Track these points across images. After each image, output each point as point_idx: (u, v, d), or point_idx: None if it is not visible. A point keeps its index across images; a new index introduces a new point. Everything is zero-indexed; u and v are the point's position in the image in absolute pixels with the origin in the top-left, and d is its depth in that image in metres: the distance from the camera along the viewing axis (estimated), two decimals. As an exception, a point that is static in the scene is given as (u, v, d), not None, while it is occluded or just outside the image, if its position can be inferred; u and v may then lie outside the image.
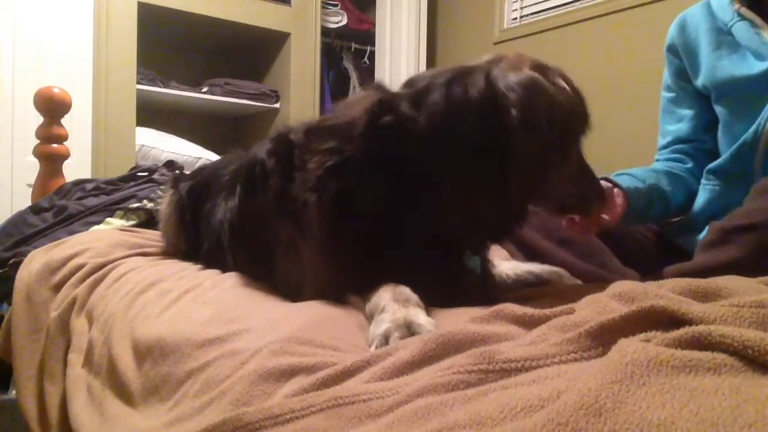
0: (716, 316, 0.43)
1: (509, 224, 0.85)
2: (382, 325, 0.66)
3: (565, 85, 0.82)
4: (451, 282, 0.83)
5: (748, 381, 0.37)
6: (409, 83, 0.85)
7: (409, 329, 0.64)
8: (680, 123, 1.28)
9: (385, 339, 0.63)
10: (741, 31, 1.12)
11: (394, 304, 0.69)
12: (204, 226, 1.16)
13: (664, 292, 0.51)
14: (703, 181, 1.21)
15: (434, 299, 0.75)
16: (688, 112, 1.26)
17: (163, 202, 1.37)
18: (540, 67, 0.82)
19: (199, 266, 1.14)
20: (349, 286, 0.79)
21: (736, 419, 0.33)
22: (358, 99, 0.90)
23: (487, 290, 0.88)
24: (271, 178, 0.89)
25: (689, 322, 0.43)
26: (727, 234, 0.89)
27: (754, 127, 1.09)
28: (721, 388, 0.35)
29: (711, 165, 1.18)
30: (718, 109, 1.19)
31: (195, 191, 1.26)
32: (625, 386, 0.36)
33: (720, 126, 1.20)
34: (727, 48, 1.14)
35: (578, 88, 0.86)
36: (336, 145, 0.81)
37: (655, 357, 0.38)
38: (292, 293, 0.86)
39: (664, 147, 1.32)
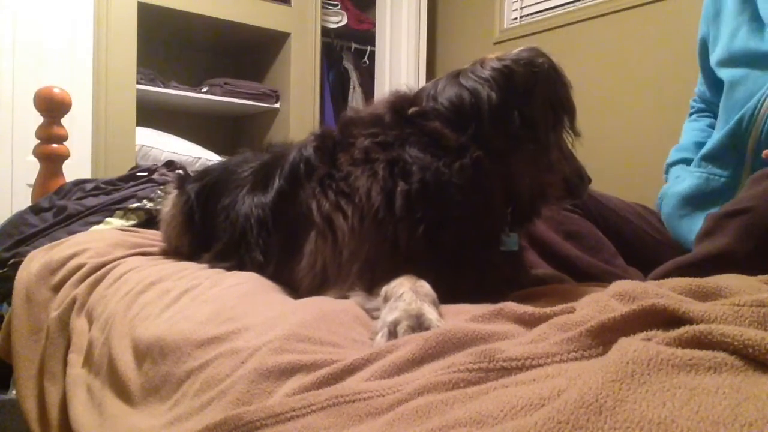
0: (717, 315, 0.43)
1: (543, 185, 0.89)
2: (394, 312, 0.67)
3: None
4: (485, 272, 0.85)
5: (749, 380, 0.37)
6: (419, 91, 0.92)
7: (419, 321, 0.64)
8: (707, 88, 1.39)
9: (394, 326, 0.64)
10: (763, 2, 1.12)
11: (412, 294, 0.70)
12: (221, 221, 1.15)
13: (665, 291, 0.51)
14: (692, 167, 1.21)
15: (463, 288, 0.78)
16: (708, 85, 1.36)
17: (166, 202, 1.35)
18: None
19: (202, 265, 1.13)
20: (381, 265, 0.81)
21: (736, 418, 0.33)
22: (378, 101, 0.97)
23: (517, 283, 0.90)
24: (316, 170, 0.93)
25: (690, 321, 0.43)
26: (719, 221, 0.90)
27: (753, 102, 1.09)
28: (722, 387, 0.35)
29: (704, 150, 1.19)
30: (724, 74, 1.20)
31: (204, 191, 1.25)
32: (626, 385, 0.36)
33: (724, 93, 1.21)
34: (748, 15, 1.15)
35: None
36: (377, 130, 0.88)
37: (656, 356, 0.38)
38: (313, 281, 0.87)
39: (698, 101, 1.44)
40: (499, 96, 0.83)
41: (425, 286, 0.73)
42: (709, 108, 1.42)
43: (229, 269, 1.06)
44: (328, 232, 0.87)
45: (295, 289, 0.92)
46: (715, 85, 1.33)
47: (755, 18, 1.13)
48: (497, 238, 0.87)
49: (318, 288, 0.87)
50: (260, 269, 1.01)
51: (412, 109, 0.87)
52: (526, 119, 0.83)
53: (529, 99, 0.83)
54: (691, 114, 1.48)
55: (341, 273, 0.85)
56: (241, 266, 1.05)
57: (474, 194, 0.82)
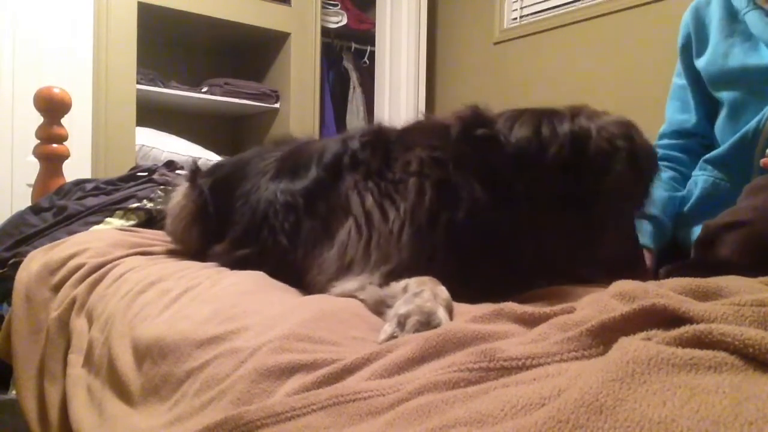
0: (717, 314, 0.43)
1: (577, 253, 0.86)
2: (408, 305, 0.68)
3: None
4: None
5: (749, 379, 0.36)
6: (503, 112, 0.91)
7: (429, 319, 0.65)
8: (688, 114, 1.29)
9: (405, 318, 0.65)
10: (754, 20, 1.11)
11: (430, 294, 0.71)
12: (239, 206, 1.13)
13: (665, 291, 0.51)
14: (698, 171, 1.21)
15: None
16: (696, 102, 1.27)
17: (175, 195, 1.32)
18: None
19: (202, 264, 1.13)
20: (405, 270, 0.81)
21: (736, 417, 0.33)
22: (452, 112, 0.94)
23: None
24: (362, 164, 0.92)
25: (690, 320, 0.43)
26: (718, 232, 0.90)
27: (757, 118, 1.08)
28: (722, 386, 0.35)
29: (709, 155, 1.18)
30: (725, 96, 1.18)
31: (217, 184, 1.24)
32: (626, 384, 0.36)
33: (723, 115, 1.19)
34: (740, 36, 1.14)
35: None
36: (437, 143, 0.87)
37: (656, 355, 0.38)
38: (338, 273, 0.87)
39: (667, 135, 1.32)
40: (561, 159, 0.81)
41: (445, 292, 0.74)
42: (673, 157, 1.31)
43: (247, 257, 1.05)
44: (364, 228, 0.87)
45: (313, 276, 0.91)
46: (706, 116, 1.27)
47: (747, 37, 1.13)
48: (527, 285, 0.85)
49: (338, 279, 0.87)
50: (284, 254, 0.99)
51: (481, 131, 0.85)
52: (584, 193, 0.81)
53: (594, 175, 0.80)
54: None
55: (365, 271, 0.85)
56: (261, 252, 1.04)
57: (512, 240, 0.82)
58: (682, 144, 1.29)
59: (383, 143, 0.93)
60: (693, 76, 1.26)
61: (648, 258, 1.12)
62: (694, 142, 1.28)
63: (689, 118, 1.29)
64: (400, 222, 0.84)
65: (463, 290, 0.77)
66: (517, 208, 0.81)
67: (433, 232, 0.82)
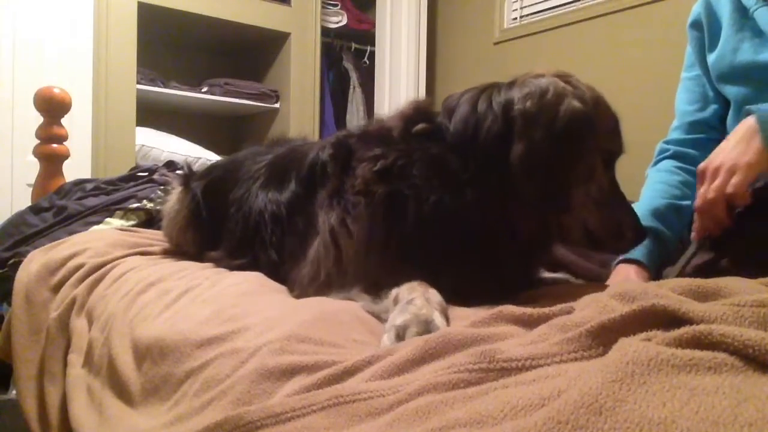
0: (717, 315, 0.43)
1: (540, 233, 0.84)
2: (404, 315, 0.67)
3: (587, 93, 0.82)
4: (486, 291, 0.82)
5: (749, 380, 0.37)
6: (446, 99, 0.89)
7: (428, 327, 0.64)
8: (704, 104, 1.24)
9: (403, 330, 0.64)
10: (763, 16, 1.10)
11: (423, 300, 0.70)
12: (233, 213, 1.13)
13: (665, 291, 0.51)
14: None
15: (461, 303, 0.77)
16: (711, 94, 1.23)
17: (169, 198, 1.34)
18: (562, 75, 0.84)
19: (202, 265, 1.13)
20: (381, 282, 0.80)
21: (736, 418, 0.33)
22: (395, 111, 0.93)
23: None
24: (329, 179, 0.91)
25: (690, 321, 0.43)
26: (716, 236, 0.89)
27: None
28: (722, 387, 0.35)
29: None
30: (733, 92, 1.16)
31: (210, 187, 1.24)
32: (626, 385, 0.36)
33: (731, 112, 1.17)
34: (750, 31, 1.12)
35: (609, 105, 0.87)
36: (381, 152, 0.85)
37: (656, 356, 0.38)
38: (318, 291, 0.87)
39: (680, 129, 1.27)
40: (497, 134, 0.78)
41: (437, 295, 0.73)
42: (685, 155, 1.24)
43: (243, 267, 1.05)
44: (331, 247, 0.86)
45: (297, 295, 0.90)
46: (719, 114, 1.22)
47: (757, 34, 1.12)
48: (504, 272, 0.83)
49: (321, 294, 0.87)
50: (275, 267, 1.00)
51: (417, 127, 0.84)
52: (529, 158, 0.77)
53: (531, 137, 0.77)
54: (660, 159, 1.28)
55: (345, 285, 0.85)
56: (254, 263, 1.04)
57: (475, 229, 0.80)
58: (697, 139, 1.24)
59: (344, 155, 0.91)
60: (707, 66, 1.22)
61: (642, 276, 1.06)
62: (710, 136, 1.23)
63: (706, 109, 1.23)
64: (364, 242, 0.83)
65: (449, 293, 0.77)
66: (472, 196, 0.79)
67: (396, 248, 0.82)
